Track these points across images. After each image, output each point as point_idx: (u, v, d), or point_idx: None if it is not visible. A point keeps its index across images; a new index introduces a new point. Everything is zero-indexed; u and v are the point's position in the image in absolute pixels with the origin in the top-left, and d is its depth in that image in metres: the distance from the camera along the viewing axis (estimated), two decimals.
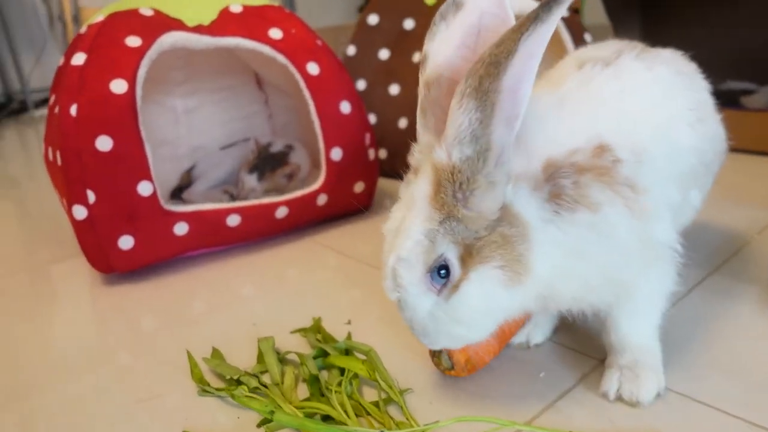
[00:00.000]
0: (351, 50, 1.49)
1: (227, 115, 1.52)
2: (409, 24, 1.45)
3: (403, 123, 1.42)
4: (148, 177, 0.93)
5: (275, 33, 1.07)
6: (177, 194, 1.35)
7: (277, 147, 1.34)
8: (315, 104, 1.08)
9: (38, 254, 1.18)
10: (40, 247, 1.22)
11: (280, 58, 1.06)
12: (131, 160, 0.92)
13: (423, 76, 0.56)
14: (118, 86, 0.91)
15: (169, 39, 0.98)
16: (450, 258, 0.48)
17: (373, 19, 1.48)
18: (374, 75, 1.46)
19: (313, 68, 1.08)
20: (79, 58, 0.92)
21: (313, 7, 4.20)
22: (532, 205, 0.49)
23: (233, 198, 1.29)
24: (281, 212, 1.08)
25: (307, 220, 1.15)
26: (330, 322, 0.79)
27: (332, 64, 1.12)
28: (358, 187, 1.17)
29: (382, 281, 0.51)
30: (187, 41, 1.00)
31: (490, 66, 0.43)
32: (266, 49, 1.06)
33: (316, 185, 1.12)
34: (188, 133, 1.47)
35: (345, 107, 1.11)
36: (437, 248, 0.48)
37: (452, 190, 0.47)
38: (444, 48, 0.53)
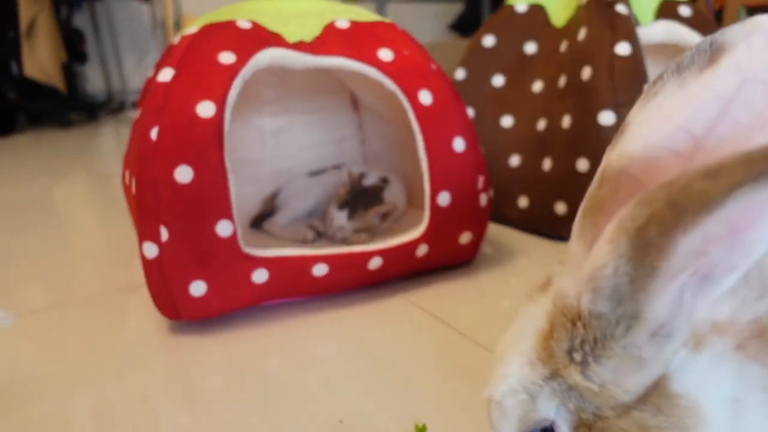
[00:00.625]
0: (460, 74, 1.32)
1: (318, 137, 1.39)
2: (530, 48, 1.26)
3: (514, 161, 1.23)
4: (228, 215, 0.80)
5: (385, 54, 0.92)
6: (257, 223, 1.23)
7: (370, 180, 1.19)
8: (424, 139, 0.91)
9: (115, 276, 1.08)
10: (120, 262, 1.13)
11: (389, 83, 0.90)
12: (212, 195, 0.78)
13: (607, 158, 0.37)
14: (206, 109, 0.78)
15: (266, 56, 0.84)
16: (560, 426, 0.32)
17: (488, 41, 1.30)
18: (485, 103, 1.28)
19: (425, 97, 0.91)
20: (166, 74, 0.80)
21: (398, 24, 4.08)
22: (723, 376, 0.30)
23: (319, 234, 1.15)
24: (374, 263, 0.92)
25: (401, 273, 0.98)
26: (421, 414, 0.61)
27: (447, 93, 0.95)
28: (465, 237, 0.99)
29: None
30: (286, 60, 0.87)
31: (670, 209, 0.25)
32: (373, 72, 0.90)
33: (416, 233, 0.95)
34: (274, 154, 1.36)
35: (458, 144, 0.94)
36: (539, 408, 0.33)
37: (569, 345, 0.31)
38: (659, 123, 0.34)
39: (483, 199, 1.00)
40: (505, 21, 1.29)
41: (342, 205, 1.09)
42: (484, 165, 1.00)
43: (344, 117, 1.40)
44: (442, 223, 0.95)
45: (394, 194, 1.17)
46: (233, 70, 0.81)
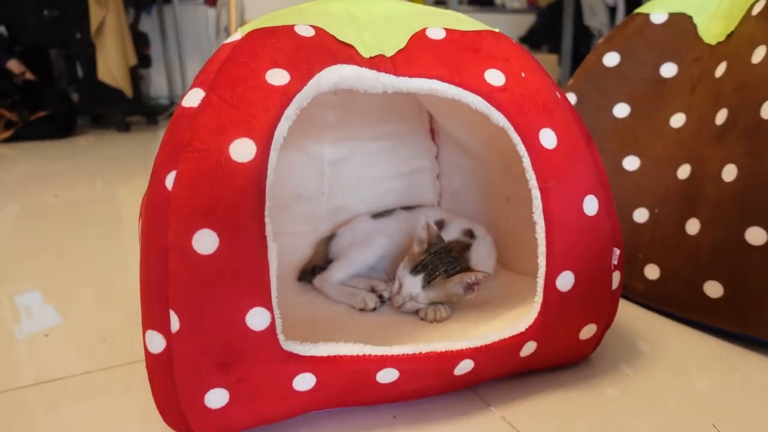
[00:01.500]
0: (570, 100, 1.04)
1: (383, 170, 1.15)
2: (669, 70, 0.97)
3: (641, 216, 0.94)
4: (265, 300, 0.56)
5: (495, 77, 0.66)
6: (306, 276, 0.99)
7: (452, 231, 0.93)
8: (544, 196, 0.64)
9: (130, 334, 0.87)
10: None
11: (499, 117, 0.64)
12: (244, 271, 0.55)
13: None
14: (243, 150, 0.54)
15: (332, 77, 0.60)
16: None
17: (611, 59, 1.02)
18: (602, 138, 1.00)
19: (548, 138, 0.65)
20: (193, 97, 0.57)
21: None
22: None
23: (382, 301, 0.89)
24: (463, 367, 0.65)
25: (495, 376, 0.71)
26: None
27: (577, 133, 0.68)
28: (587, 331, 0.71)
29: None
30: (359, 81, 0.62)
31: None
32: (477, 102, 0.65)
33: (521, 325, 0.68)
34: (332, 189, 1.12)
35: (590, 205, 0.66)
36: None
37: None
38: None
39: (615, 280, 0.72)
40: (636, 34, 1.00)
41: (416, 269, 0.83)
42: (620, 233, 0.72)
43: (418, 146, 1.15)
44: (560, 313, 0.68)
45: (483, 254, 0.90)
46: (285, 95, 0.57)
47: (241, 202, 0.54)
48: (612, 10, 4.92)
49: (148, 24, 4.63)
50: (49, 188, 2.05)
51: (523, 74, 0.67)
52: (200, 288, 0.54)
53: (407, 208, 1.07)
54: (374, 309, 0.87)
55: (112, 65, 3.62)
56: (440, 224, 0.96)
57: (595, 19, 5.02)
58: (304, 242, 1.09)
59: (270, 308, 0.56)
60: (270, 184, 0.56)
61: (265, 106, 0.56)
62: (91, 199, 1.89)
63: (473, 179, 1.09)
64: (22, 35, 3.63)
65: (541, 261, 0.67)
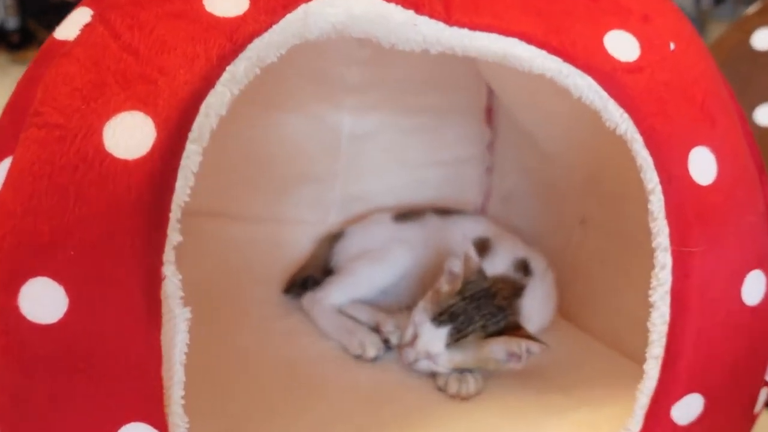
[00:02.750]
0: None
1: (418, 154, 0.87)
2: None
3: None
4: (151, 414, 0.31)
5: (622, 44, 0.37)
6: (295, 289, 0.74)
7: (500, 261, 0.66)
8: (680, 268, 0.36)
9: None
10: None
11: (619, 116, 0.36)
12: (112, 357, 0.29)
13: None
14: (130, 134, 0.28)
15: (332, 14, 0.33)
16: None
17: (764, 39, 0.70)
18: None
19: (703, 165, 0.37)
20: (73, 24, 0.31)
21: None
22: None
23: (388, 347, 0.64)
24: None
25: None
26: None
27: (747, 160, 0.39)
28: None
29: None
30: (382, 26, 0.35)
31: None
32: (586, 86, 0.36)
33: None
34: (348, 172, 0.85)
35: (754, 288, 0.38)
36: None
37: None
38: None
39: (761, 400, 0.44)
40: None
41: (441, 317, 0.57)
42: None
43: (468, 129, 0.87)
44: None
45: (539, 301, 0.63)
46: (235, 36, 0.31)
47: (115, 232, 0.28)
48: None
49: None
50: None
51: (672, 45, 0.38)
52: (31, 382, 0.29)
53: (442, 212, 0.79)
54: (375, 358, 0.62)
55: None
56: (484, 246, 0.68)
57: None
58: (304, 235, 0.84)
59: (161, 426, 0.31)
60: (181, 203, 0.30)
61: (190, 54, 0.29)
62: None
63: (536, 183, 0.80)
64: None
65: (653, 369, 0.40)
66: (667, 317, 0.38)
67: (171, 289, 0.30)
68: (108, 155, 0.28)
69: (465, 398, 0.56)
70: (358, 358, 0.63)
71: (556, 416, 0.50)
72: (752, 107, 0.71)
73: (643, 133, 0.37)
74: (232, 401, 0.52)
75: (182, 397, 0.32)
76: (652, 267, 0.41)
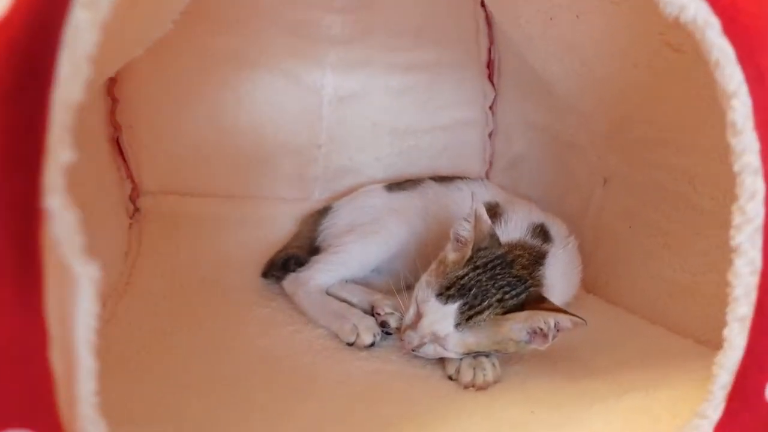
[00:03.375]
0: None
1: (411, 118, 0.78)
2: None
3: None
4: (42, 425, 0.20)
5: None
6: (275, 270, 0.64)
7: (514, 227, 0.56)
8: None
9: None
10: None
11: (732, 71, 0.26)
12: None
13: None
14: None
15: None
16: None
17: None
18: None
19: None
20: None
21: None
22: None
23: (386, 331, 0.54)
24: None
25: None
26: None
27: None
28: None
29: None
30: None
31: None
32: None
33: None
34: (333, 140, 0.75)
35: None
36: None
37: None
38: None
39: None
40: None
41: (449, 292, 0.47)
42: None
43: (467, 87, 0.78)
44: None
45: (562, 270, 0.54)
46: None
47: None
48: None
49: None
50: None
51: None
52: None
53: (442, 179, 0.70)
54: (371, 345, 0.52)
55: None
56: (494, 211, 0.59)
57: None
58: (284, 214, 0.74)
59: None
60: (71, 101, 0.20)
61: None
62: None
63: (548, 144, 0.71)
64: None
65: (736, 335, 0.30)
66: (758, 264, 0.28)
67: (63, 233, 0.20)
68: None
69: (482, 388, 0.47)
70: (352, 346, 0.53)
71: (596, 405, 0.41)
72: None
73: (721, 14, 0.27)
74: (203, 400, 0.42)
75: (95, 394, 0.22)
76: (699, 221, 0.32)
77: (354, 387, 0.47)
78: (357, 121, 0.76)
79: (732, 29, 0.27)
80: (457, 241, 0.50)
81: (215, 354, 0.51)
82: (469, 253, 0.48)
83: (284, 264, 0.63)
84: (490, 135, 0.80)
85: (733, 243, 0.29)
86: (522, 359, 0.51)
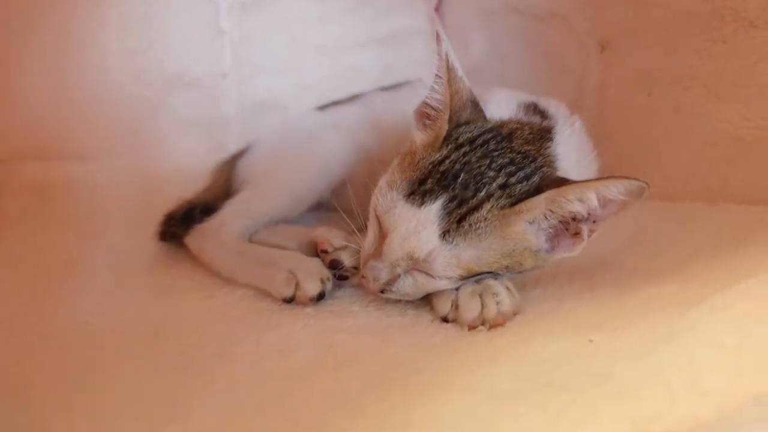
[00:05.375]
0: None
1: (341, 31, 0.61)
2: None
3: None
4: None
5: None
6: (175, 227, 0.44)
7: (499, 109, 0.39)
8: None
9: None
10: None
11: None
12: None
13: None
14: None
15: None
16: None
17: None
18: None
19: None
20: None
21: None
22: None
23: (340, 274, 0.36)
24: None
25: None
26: None
27: None
28: None
29: None
30: None
31: None
32: None
33: None
34: (240, 63, 0.58)
35: None
36: None
37: None
38: None
39: None
40: None
41: (421, 189, 0.30)
42: None
43: None
44: None
45: (574, 147, 0.37)
46: None
47: None
48: None
49: None
50: None
51: None
52: None
53: (389, 87, 0.53)
54: (321, 297, 0.34)
55: None
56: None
57: None
58: (188, 171, 0.55)
59: None
60: None
61: None
62: None
63: (516, 29, 0.56)
64: None
65: None
66: None
67: None
68: None
69: (496, 324, 0.30)
70: (290, 302, 0.35)
71: (693, 310, 0.24)
72: None
73: None
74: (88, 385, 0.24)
75: None
76: (747, 39, 0.17)
77: (296, 357, 0.30)
78: (270, 37, 0.59)
79: None
80: (426, 116, 0.34)
81: (89, 335, 0.32)
82: (445, 127, 0.32)
83: (187, 216, 0.44)
84: (439, 42, 0.64)
85: None
86: (541, 281, 0.34)
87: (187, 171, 0.57)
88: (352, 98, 0.54)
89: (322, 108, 0.54)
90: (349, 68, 0.63)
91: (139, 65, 0.55)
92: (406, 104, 0.47)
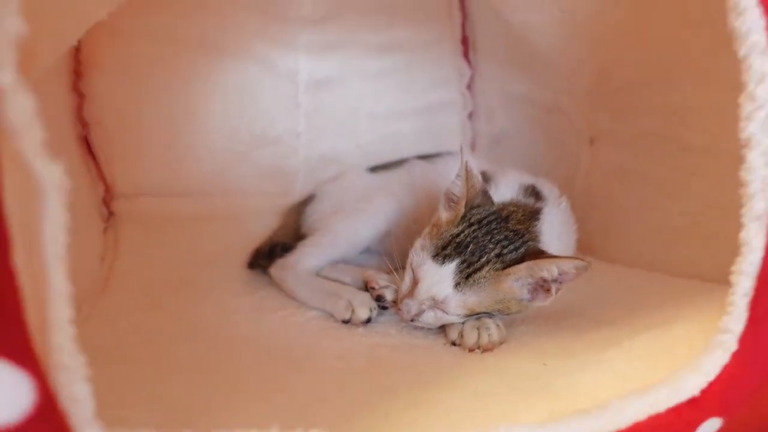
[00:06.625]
0: None
1: (390, 102, 0.77)
2: None
3: None
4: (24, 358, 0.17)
5: None
6: (262, 260, 0.61)
7: (505, 190, 0.54)
8: None
9: None
10: None
11: None
12: None
13: None
14: None
15: None
16: None
17: None
18: None
19: None
20: None
21: None
22: None
23: (382, 305, 0.51)
24: None
25: None
26: None
27: None
28: None
29: None
30: None
31: None
32: None
33: (689, 385, 0.29)
34: (312, 127, 0.74)
35: None
36: None
37: None
38: None
39: None
40: None
41: (445, 251, 0.45)
42: None
43: (442, 66, 0.78)
44: None
45: (558, 226, 0.52)
46: None
47: None
48: None
49: None
50: None
51: None
52: None
53: (426, 156, 0.68)
54: (367, 321, 0.50)
55: None
56: (484, 176, 0.57)
57: None
58: (267, 210, 0.72)
59: (34, 370, 0.18)
60: None
61: None
62: None
63: (529, 114, 0.70)
64: None
65: (754, 235, 0.28)
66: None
67: (19, 119, 0.17)
68: None
69: (487, 349, 0.44)
70: (348, 323, 0.50)
71: (611, 350, 0.39)
72: None
73: None
74: (189, 382, 0.39)
75: (71, 323, 0.20)
76: (693, 161, 0.30)
77: (353, 361, 0.44)
78: (335, 107, 0.74)
79: None
80: (450, 200, 0.48)
81: (200, 341, 0.47)
82: (462, 210, 0.46)
83: (270, 252, 0.60)
84: (469, 116, 0.79)
85: (744, 136, 0.27)
86: (526, 320, 0.49)
87: (264, 209, 0.73)
88: (397, 163, 0.70)
89: (373, 170, 0.70)
90: (395, 132, 0.78)
91: (234, 126, 0.71)
92: (438, 176, 0.63)
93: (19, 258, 0.18)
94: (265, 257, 0.60)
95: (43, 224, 0.18)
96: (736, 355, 0.30)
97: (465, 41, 0.75)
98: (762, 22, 0.26)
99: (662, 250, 0.51)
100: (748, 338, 0.29)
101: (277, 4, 0.65)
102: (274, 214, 0.71)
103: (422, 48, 0.75)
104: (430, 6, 0.72)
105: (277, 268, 0.57)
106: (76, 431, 0.20)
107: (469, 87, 0.78)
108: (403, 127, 0.78)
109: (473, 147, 0.80)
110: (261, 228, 0.69)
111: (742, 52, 0.27)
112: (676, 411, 0.30)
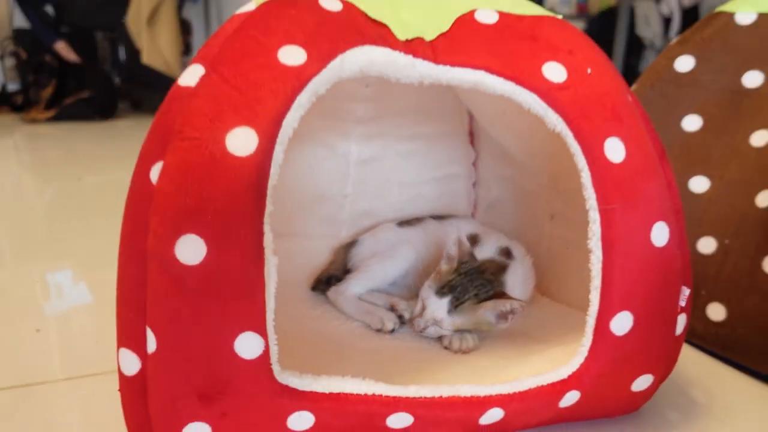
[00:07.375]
0: None
1: (415, 174, 1.04)
2: (753, 79, 0.84)
3: (706, 246, 0.81)
4: (257, 326, 0.46)
5: (554, 71, 0.55)
6: (321, 286, 0.89)
7: (487, 250, 0.82)
8: (605, 221, 0.53)
9: None
10: None
11: (555, 119, 0.53)
12: (234, 289, 0.45)
13: None
14: (242, 141, 0.45)
15: (359, 60, 0.50)
16: None
17: (684, 64, 0.89)
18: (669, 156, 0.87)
19: (614, 149, 0.54)
20: (191, 75, 0.48)
21: None
22: None
23: (402, 321, 0.79)
24: (491, 416, 0.55)
25: (527, 427, 0.60)
26: None
27: (648, 145, 0.56)
28: (641, 383, 0.60)
29: None
30: (391, 66, 0.52)
31: None
32: (531, 101, 0.54)
33: (564, 371, 0.57)
34: (356, 191, 1.02)
35: (660, 234, 0.55)
36: None
37: None
38: None
39: (681, 324, 0.60)
40: (716, 35, 0.87)
41: (443, 290, 0.72)
42: (690, 270, 0.60)
43: (455, 150, 1.04)
44: (612, 360, 0.56)
45: (519, 278, 0.79)
46: (299, 78, 0.48)
47: (235, 204, 0.44)
48: (667, 21, 4.67)
49: (192, 12, 4.63)
50: (85, 169, 2.05)
51: (589, 70, 0.55)
52: (181, 304, 0.45)
53: (438, 217, 0.96)
54: (392, 330, 0.77)
55: (165, 51, 3.56)
56: (474, 239, 0.85)
57: (649, 29, 4.77)
58: (322, 247, 1.00)
59: (263, 334, 0.47)
60: (273, 184, 0.46)
61: (274, 90, 0.47)
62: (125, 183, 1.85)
63: (513, 190, 0.97)
64: (71, 16, 3.64)
65: (594, 297, 0.55)
66: (600, 257, 0.54)
67: (267, 241, 0.46)
68: (229, 154, 0.44)
69: (465, 352, 0.71)
70: (379, 331, 0.77)
71: (531, 357, 0.65)
72: (679, 118, 0.89)
73: (572, 130, 0.54)
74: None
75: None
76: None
77: (382, 355, 0.71)
78: (375, 177, 1.02)
79: (578, 137, 0.54)
80: (448, 258, 0.76)
81: (289, 338, 0.75)
82: (455, 265, 0.74)
83: (327, 280, 0.89)
84: (474, 185, 1.07)
85: (589, 247, 0.55)
86: (493, 335, 0.75)
87: (321, 248, 1.02)
88: (417, 220, 0.97)
89: (401, 224, 0.98)
90: (417, 195, 1.06)
91: (301, 186, 1.00)
92: (444, 234, 0.91)
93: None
94: (324, 283, 0.89)
95: (269, 281, 0.47)
96: (585, 363, 0.57)
97: (471, 134, 1.03)
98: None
99: (586, 296, 0.77)
100: (594, 347, 0.56)
101: (341, 111, 0.94)
102: (326, 250, 0.99)
103: (440, 137, 1.02)
104: (445, 111, 0.99)
105: (332, 293, 0.86)
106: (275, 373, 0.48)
107: (474, 164, 1.06)
108: (424, 191, 1.05)
109: (475, 207, 1.07)
110: (317, 261, 0.96)
111: (586, 206, 0.54)
112: (553, 385, 0.56)
